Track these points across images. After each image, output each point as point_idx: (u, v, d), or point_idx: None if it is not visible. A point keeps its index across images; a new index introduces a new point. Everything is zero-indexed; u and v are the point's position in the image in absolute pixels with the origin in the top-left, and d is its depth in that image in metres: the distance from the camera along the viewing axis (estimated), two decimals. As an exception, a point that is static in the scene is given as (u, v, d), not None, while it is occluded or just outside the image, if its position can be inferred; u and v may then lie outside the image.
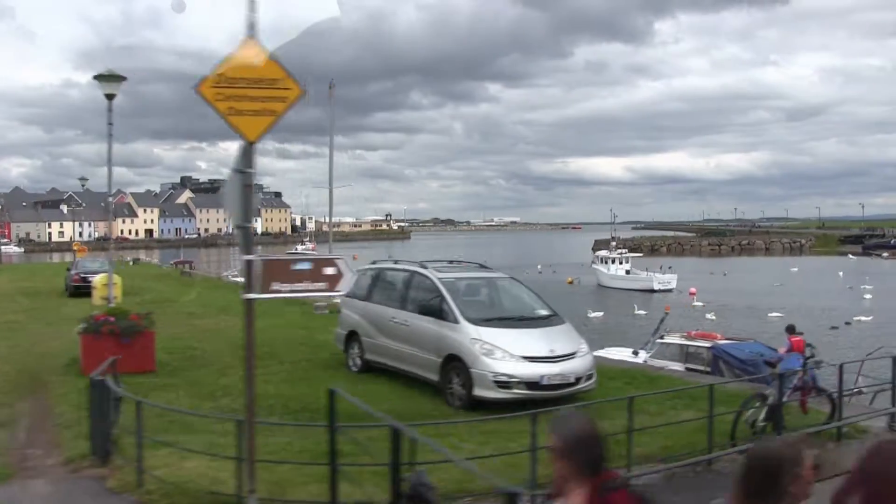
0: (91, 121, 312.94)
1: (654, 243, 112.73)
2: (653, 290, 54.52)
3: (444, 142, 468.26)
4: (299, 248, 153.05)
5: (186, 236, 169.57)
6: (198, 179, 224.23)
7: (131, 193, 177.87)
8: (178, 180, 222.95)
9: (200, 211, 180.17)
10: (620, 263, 59.36)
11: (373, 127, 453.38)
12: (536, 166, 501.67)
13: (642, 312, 41.28)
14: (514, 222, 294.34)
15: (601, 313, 42.01)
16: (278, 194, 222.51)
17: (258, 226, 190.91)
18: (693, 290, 53.52)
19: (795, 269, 70.35)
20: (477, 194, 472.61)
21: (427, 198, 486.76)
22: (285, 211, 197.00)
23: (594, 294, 55.72)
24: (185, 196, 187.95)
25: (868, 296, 47.71)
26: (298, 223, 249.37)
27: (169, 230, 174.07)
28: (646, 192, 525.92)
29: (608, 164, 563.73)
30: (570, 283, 62.01)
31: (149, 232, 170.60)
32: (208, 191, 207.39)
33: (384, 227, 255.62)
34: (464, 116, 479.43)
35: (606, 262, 59.73)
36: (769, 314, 38.20)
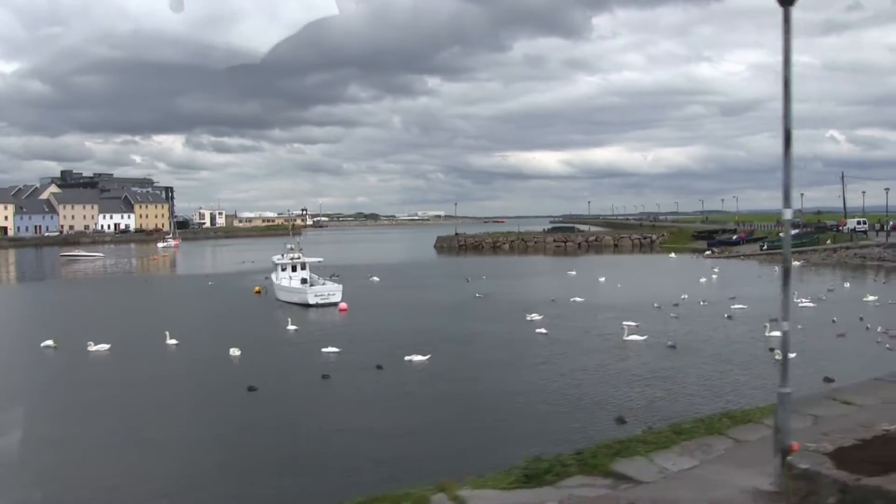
0: (16, 112, 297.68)
1: (496, 240, 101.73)
2: (308, 305, 43.38)
3: (383, 135, 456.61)
4: (160, 245, 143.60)
5: (47, 234, 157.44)
6: (80, 174, 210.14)
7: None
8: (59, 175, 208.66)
9: (64, 207, 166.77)
10: (295, 270, 47.92)
11: (311, 120, 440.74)
12: (475, 160, 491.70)
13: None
14: (439, 216, 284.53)
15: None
16: (169, 189, 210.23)
17: (131, 222, 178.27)
18: (344, 305, 42.58)
19: (573, 273, 59.65)
20: (416, 188, 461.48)
21: (366, 192, 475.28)
22: (162, 207, 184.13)
23: (262, 308, 44.55)
24: (49, 191, 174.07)
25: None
26: (201, 218, 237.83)
27: (27, 228, 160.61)
28: (584, 186, 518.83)
29: (547, 157, 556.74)
30: (258, 292, 50.69)
31: (2, 230, 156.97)
32: (87, 186, 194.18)
33: (285, 222, 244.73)
34: (403, 110, 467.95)
35: (284, 269, 48.17)
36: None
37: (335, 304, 43.22)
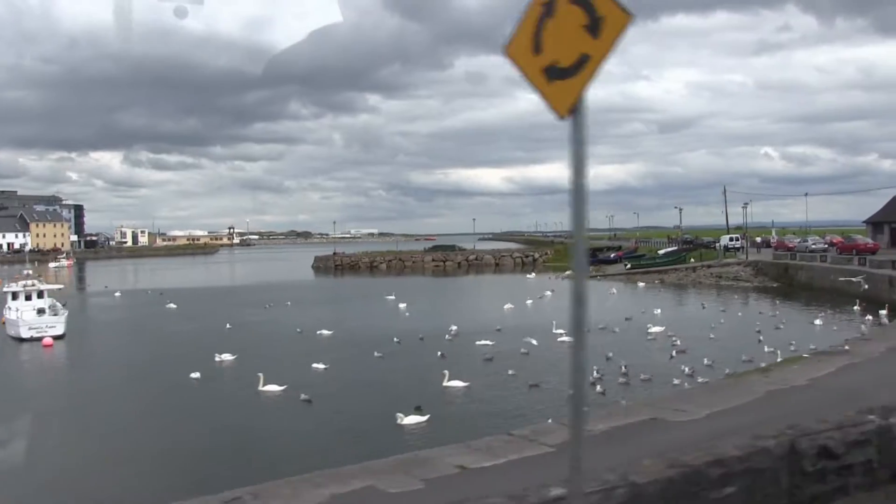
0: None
1: (373, 260, 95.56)
2: (22, 339, 36.63)
3: (324, 153, 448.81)
4: (52, 266, 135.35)
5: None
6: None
7: None
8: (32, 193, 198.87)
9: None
10: (29, 299, 40.91)
11: (252, 137, 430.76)
12: (417, 177, 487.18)
13: None
14: (372, 234, 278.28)
15: None
16: (79, 206, 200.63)
17: (27, 241, 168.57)
18: (49, 341, 35.90)
19: (391, 297, 52.89)
20: (358, 205, 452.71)
21: (308, 209, 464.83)
22: (62, 225, 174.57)
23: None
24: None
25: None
26: (122, 236, 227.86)
27: None
28: (526, 203, 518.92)
29: (488, 174, 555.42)
30: (3, 324, 43.61)
31: None
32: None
33: (211, 241, 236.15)
34: (343, 127, 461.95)
35: (16, 297, 41.12)
36: None
37: (62, 336, 36.71)
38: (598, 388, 21.46)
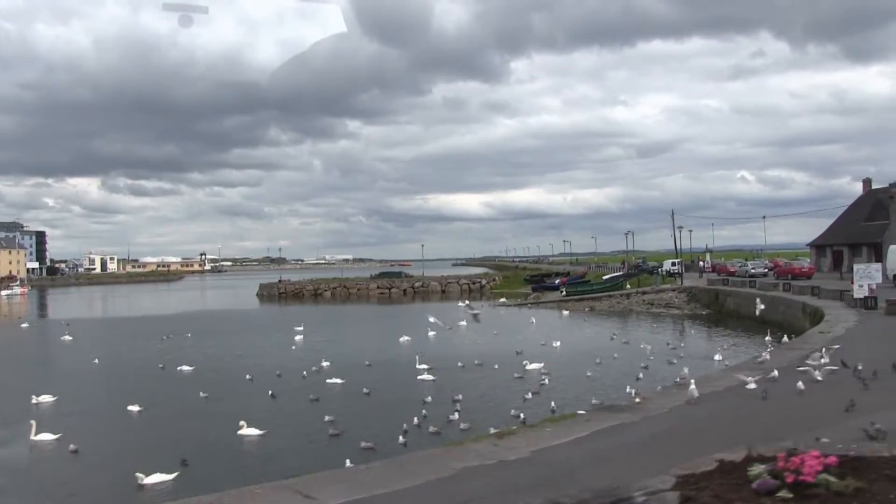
0: None
1: (317, 288, 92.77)
2: None
3: (303, 178, 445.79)
4: (4, 293, 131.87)
5: None
6: None
7: None
8: (9, 219, 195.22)
9: None
10: None
11: (231, 163, 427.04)
12: (397, 203, 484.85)
13: None
14: (347, 260, 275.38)
15: None
16: (41, 233, 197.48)
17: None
18: None
19: (300, 328, 49.92)
20: (338, 232, 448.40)
21: (288, 235, 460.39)
22: (18, 252, 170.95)
23: None
24: None
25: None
26: (91, 263, 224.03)
27: None
28: (505, 228, 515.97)
29: (467, 200, 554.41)
30: None
31: None
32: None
33: (182, 267, 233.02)
34: (323, 153, 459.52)
35: None
36: None
37: None
38: (402, 439, 18.82)
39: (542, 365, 30.46)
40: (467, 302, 69.43)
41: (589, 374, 28.77)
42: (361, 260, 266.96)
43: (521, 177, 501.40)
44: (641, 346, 36.12)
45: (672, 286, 60.77)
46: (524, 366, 30.34)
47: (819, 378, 15.48)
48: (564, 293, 65.06)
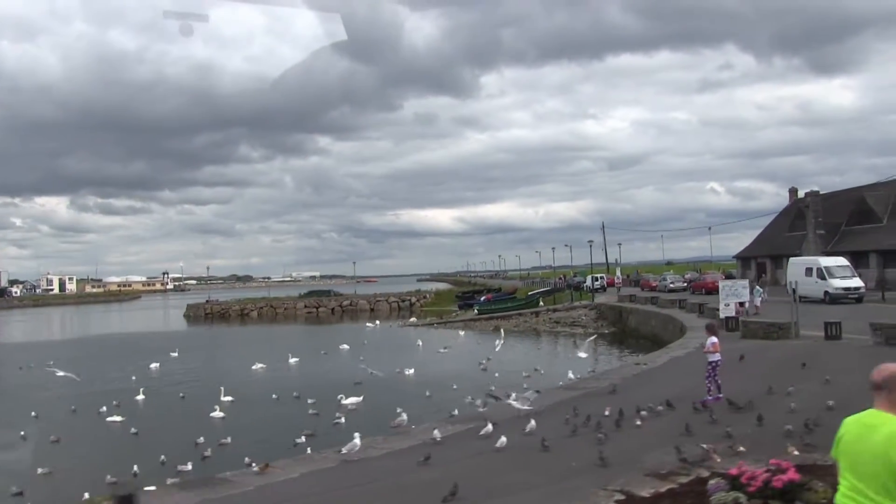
0: None
1: (244, 308, 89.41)
2: None
3: (274, 195, 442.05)
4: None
5: None
6: None
7: None
8: None
9: None
10: None
11: (202, 181, 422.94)
12: (368, 219, 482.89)
13: None
14: (314, 277, 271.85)
15: None
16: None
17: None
18: None
19: (175, 353, 46.34)
20: (310, 248, 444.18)
21: (259, 252, 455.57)
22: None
23: None
24: None
25: None
26: (49, 283, 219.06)
27: None
28: (478, 242, 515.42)
29: (439, 215, 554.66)
30: None
31: None
32: None
33: (145, 286, 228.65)
34: (294, 170, 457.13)
35: None
36: None
37: None
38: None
39: (360, 399, 27.34)
40: (412, 319, 66.45)
41: (399, 409, 25.63)
42: (329, 276, 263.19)
43: (493, 191, 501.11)
44: (496, 374, 33.10)
45: (585, 303, 57.93)
46: (339, 399, 27.17)
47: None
48: (477, 311, 62.06)
